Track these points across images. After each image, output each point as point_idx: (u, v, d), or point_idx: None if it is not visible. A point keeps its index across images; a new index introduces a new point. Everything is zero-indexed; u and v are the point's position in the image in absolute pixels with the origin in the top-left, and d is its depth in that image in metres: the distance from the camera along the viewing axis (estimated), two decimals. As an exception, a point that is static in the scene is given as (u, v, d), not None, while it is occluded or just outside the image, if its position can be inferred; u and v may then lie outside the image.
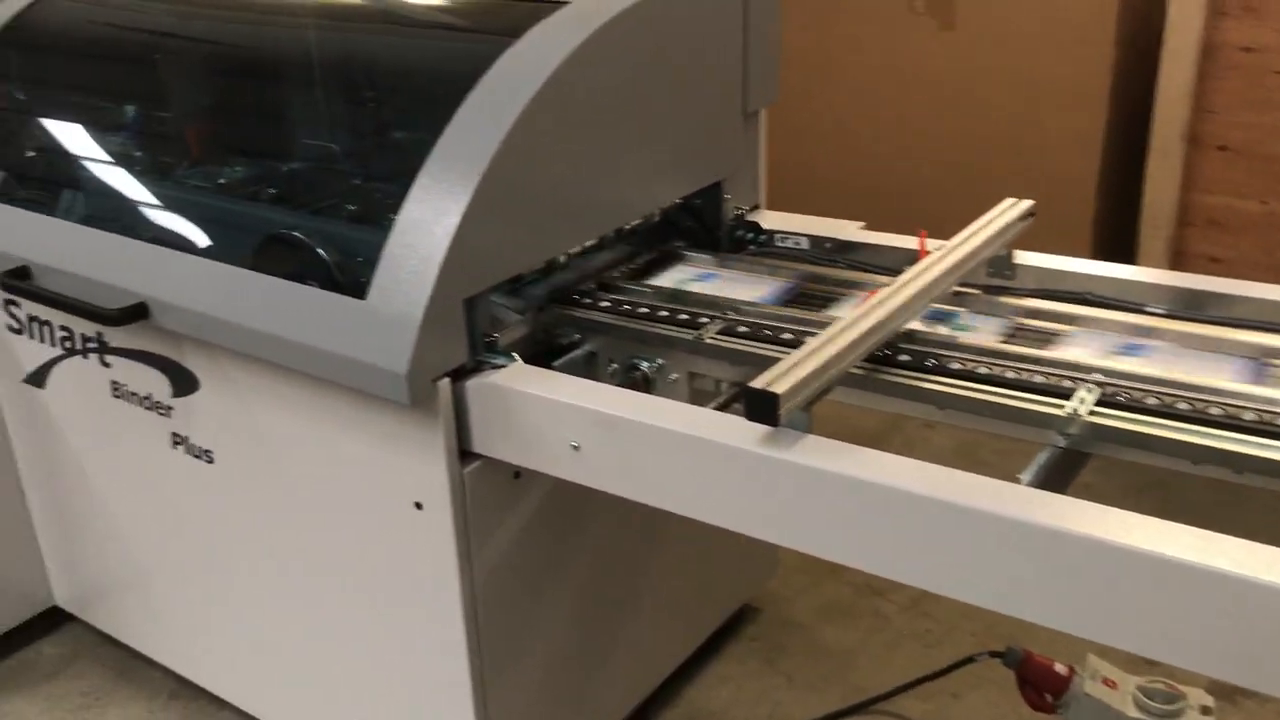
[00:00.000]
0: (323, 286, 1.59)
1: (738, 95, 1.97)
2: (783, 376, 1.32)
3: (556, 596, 1.84)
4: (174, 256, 1.77)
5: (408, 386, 1.46)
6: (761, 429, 1.32)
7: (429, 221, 1.49)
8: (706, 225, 2.04)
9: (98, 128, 2.22)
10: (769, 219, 2.07)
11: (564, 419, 1.48)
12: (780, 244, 2.02)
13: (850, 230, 1.99)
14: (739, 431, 1.33)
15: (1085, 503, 1.19)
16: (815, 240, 1.99)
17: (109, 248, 1.85)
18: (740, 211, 2.06)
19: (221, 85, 2.24)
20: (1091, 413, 1.36)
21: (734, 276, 1.91)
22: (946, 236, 1.79)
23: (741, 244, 2.05)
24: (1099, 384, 1.40)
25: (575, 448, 1.48)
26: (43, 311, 2.04)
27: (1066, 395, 1.39)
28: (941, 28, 3.21)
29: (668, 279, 1.91)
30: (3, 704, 2.31)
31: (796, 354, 1.38)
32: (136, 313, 1.73)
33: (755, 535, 1.38)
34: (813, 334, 1.58)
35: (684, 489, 1.41)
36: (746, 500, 1.36)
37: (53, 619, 2.46)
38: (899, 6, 3.25)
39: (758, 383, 1.30)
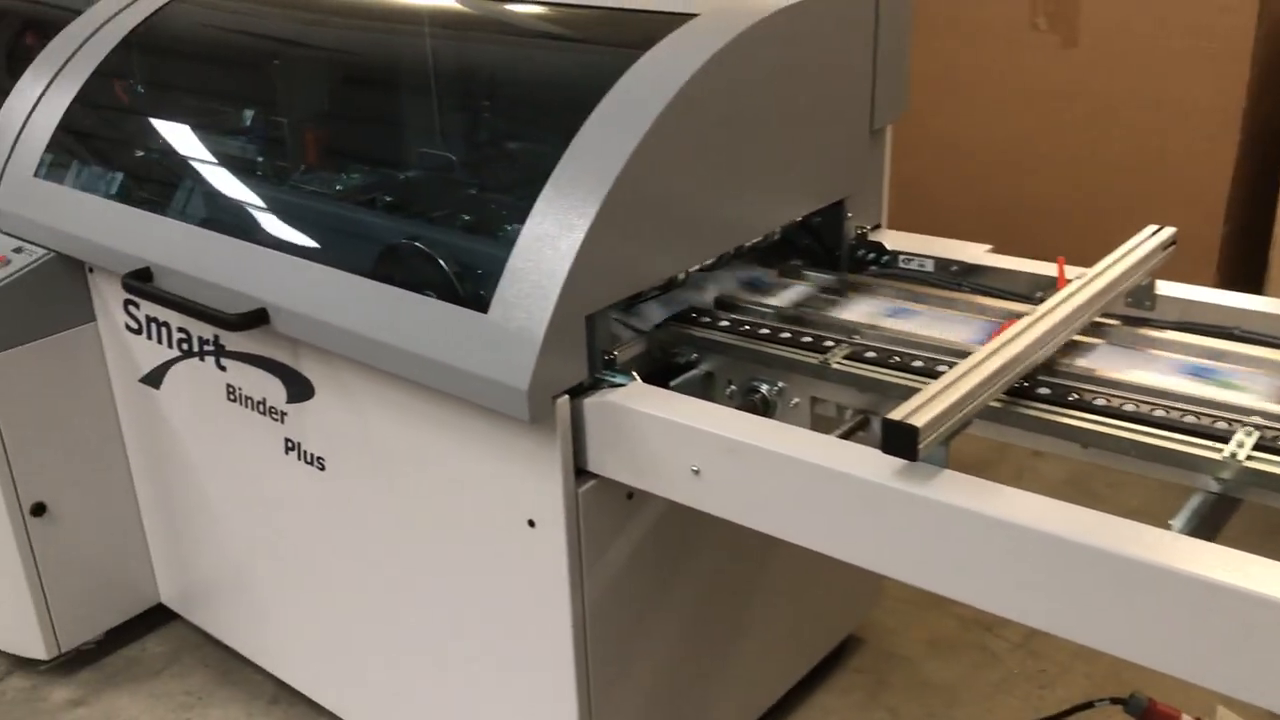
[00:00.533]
0: (443, 298, 1.57)
1: (865, 110, 1.91)
2: (923, 408, 1.26)
3: (664, 619, 1.80)
4: (295, 263, 1.77)
5: (528, 403, 1.44)
6: (898, 462, 1.26)
7: (554, 236, 1.46)
8: (826, 244, 1.99)
9: (220, 132, 2.24)
10: (891, 239, 2.00)
11: (685, 442, 1.44)
12: (904, 265, 1.95)
13: (977, 253, 1.91)
14: (873, 464, 1.28)
15: (1242, 554, 1.12)
16: (940, 263, 1.92)
17: (230, 252, 1.85)
18: (862, 231, 2.00)
19: (343, 92, 2.25)
20: (1250, 457, 1.27)
21: (858, 299, 1.85)
22: (1069, 258, 1.72)
23: (862, 264, 1.99)
24: (1258, 427, 1.32)
25: (695, 472, 1.43)
26: (160, 313, 2.07)
27: (1221, 437, 1.31)
28: (1064, 45, 3.12)
29: (788, 298, 1.86)
30: (109, 700, 2.34)
31: (935, 385, 1.32)
32: (258, 318, 1.74)
33: (881, 571, 1.33)
34: (945, 361, 1.53)
35: (810, 520, 1.36)
36: (876, 534, 1.30)
37: (157, 616, 2.49)
38: (1021, 23, 3.16)
39: (896, 414, 1.25)
